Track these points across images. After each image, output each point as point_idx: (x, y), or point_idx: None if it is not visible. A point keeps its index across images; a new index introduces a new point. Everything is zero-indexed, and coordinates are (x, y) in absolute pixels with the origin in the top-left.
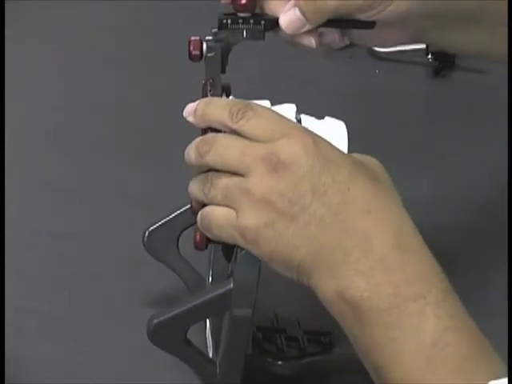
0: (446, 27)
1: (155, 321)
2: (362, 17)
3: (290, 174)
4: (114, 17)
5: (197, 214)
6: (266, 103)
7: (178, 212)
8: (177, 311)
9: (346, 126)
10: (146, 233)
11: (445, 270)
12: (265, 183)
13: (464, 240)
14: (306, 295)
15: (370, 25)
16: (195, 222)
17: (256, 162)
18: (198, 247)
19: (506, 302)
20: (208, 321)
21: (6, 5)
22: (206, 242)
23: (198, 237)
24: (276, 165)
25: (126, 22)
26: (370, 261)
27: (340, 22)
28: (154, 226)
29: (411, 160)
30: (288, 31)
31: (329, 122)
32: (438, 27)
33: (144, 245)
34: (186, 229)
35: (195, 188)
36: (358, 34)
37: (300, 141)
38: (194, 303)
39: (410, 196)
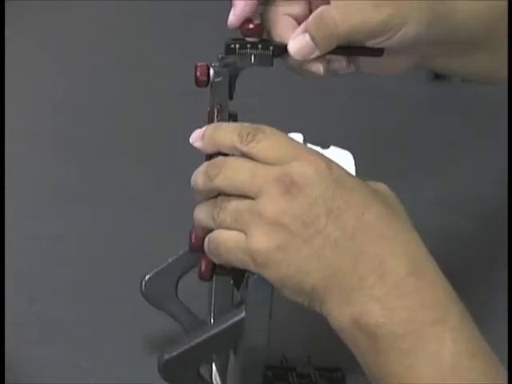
0: (451, 53)
1: (166, 356)
2: (372, 43)
3: (303, 196)
4: (113, 17)
5: (197, 250)
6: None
7: (176, 257)
8: (189, 345)
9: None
10: (143, 281)
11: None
12: (277, 205)
13: (464, 245)
14: (314, 332)
15: (378, 52)
16: (194, 265)
17: (268, 184)
18: (202, 277)
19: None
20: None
21: (6, 5)
22: (211, 271)
23: (203, 266)
24: (289, 186)
25: (126, 22)
26: (386, 287)
27: (349, 49)
28: (151, 274)
29: (411, 163)
30: (297, 57)
31: (335, 152)
32: (444, 54)
33: (142, 293)
34: (184, 274)
35: (202, 213)
36: (364, 61)
37: (313, 163)
38: (206, 335)
39: (409, 200)
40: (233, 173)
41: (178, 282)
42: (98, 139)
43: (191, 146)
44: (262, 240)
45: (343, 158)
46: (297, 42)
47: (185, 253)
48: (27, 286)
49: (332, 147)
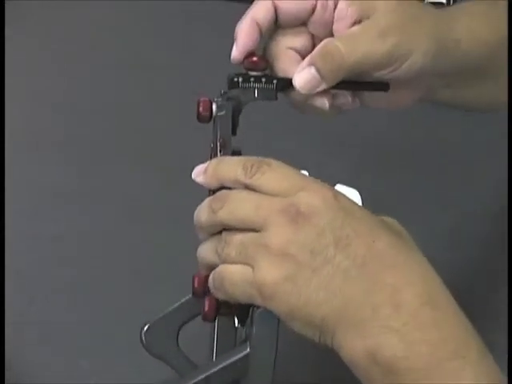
0: (456, 84)
1: None
2: (379, 74)
3: (310, 225)
4: (114, 17)
5: (200, 295)
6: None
7: (177, 305)
8: (190, 382)
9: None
10: (142, 331)
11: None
12: (283, 235)
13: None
14: (322, 362)
15: (384, 87)
16: (197, 314)
17: (273, 215)
18: (206, 318)
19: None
20: None
21: (6, 5)
22: (215, 311)
23: (206, 306)
24: (295, 216)
25: (126, 22)
26: (403, 317)
27: (355, 83)
28: (151, 323)
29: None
30: (303, 91)
31: (342, 190)
32: (448, 85)
33: (142, 342)
34: (186, 323)
35: (206, 250)
36: (369, 96)
37: (319, 193)
38: (209, 372)
39: (409, 207)
40: (237, 205)
41: (179, 332)
42: (98, 139)
43: (191, 146)
44: (269, 272)
45: (350, 195)
46: (302, 76)
47: (186, 300)
48: (27, 286)
49: (338, 185)
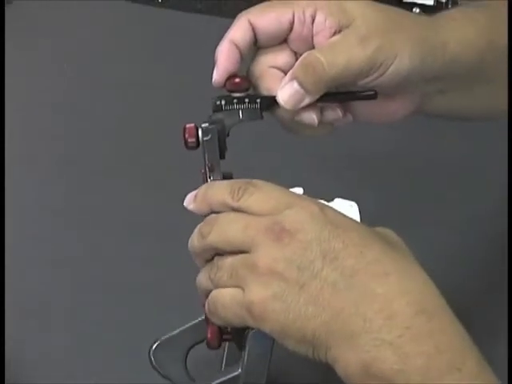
0: (449, 91)
1: None
2: (365, 83)
3: (295, 241)
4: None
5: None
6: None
7: (188, 325)
8: None
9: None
10: (151, 350)
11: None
12: (269, 253)
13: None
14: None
15: (371, 96)
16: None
17: (259, 234)
18: (209, 345)
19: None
20: None
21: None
22: (218, 338)
23: (209, 333)
24: (280, 233)
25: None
26: (396, 329)
27: (341, 94)
28: (160, 341)
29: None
30: (287, 106)
31: (340, 203)
32: (441, 92)
33: (150, 360)
34: (196, 344)
35: (201, 277)
36: (361, 110)
37: (306, 209)
38: None
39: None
40: (225, 227)
41: (188, 353)
42: (97, 161)
43: (192, 162)
44: (257, 291)
45: (349, 208)
46: (285, 91)
47: (199, 322)
48: (28, 286)
49: (337, 199)
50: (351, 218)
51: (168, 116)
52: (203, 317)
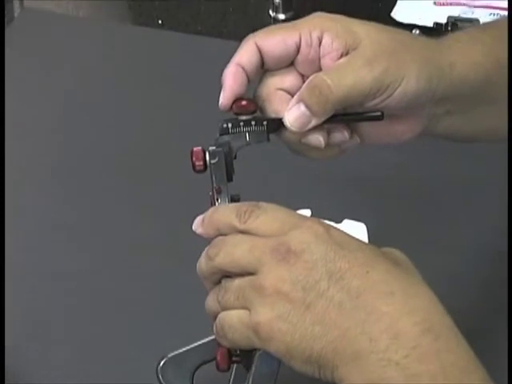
0: (456, 112)
1: None
2: (372, 104)
3: (301, 262)
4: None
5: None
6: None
7: (198, 344)
8: None
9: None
10: (159, 366)
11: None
12: (275, 274)
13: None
14: None
15: (378, 117)
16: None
17: (265, 255)
18: (219, 367)
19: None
20: None
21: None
22: (227, 360)
23: (218, 355)
24: (286, 254)
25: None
26: (403, 348)
27: (346, 115)
28: (169, 357)
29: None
30: (294, 128)
31: (349, 224)
32: (449, 113)
33: (157, 377)
34: (205, 363)
35: (210, 300)
36: (368, 132)
37: (311, 230)
38: None
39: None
40: (232, 249)
41: (195, 371)
42: (98, 175)
43: (194, 185)
44: (263, 311)
45: (357, 229)
46: (292, 113)
47: (208, 341)
48: (27, 286)
49: (345, 220)
50: (357, 239)
51: (168, 138)
52: (212, 336)
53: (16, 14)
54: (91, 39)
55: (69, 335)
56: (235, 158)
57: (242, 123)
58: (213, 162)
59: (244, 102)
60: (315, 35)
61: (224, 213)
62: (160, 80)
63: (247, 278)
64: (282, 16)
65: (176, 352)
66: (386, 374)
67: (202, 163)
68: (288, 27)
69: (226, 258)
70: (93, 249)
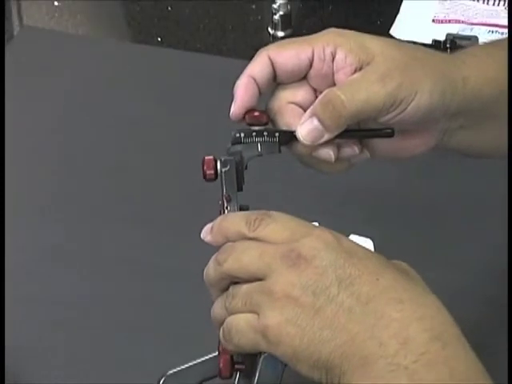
0: (470, 126)
1: None
2: (385, 120)
3: (312, 267)
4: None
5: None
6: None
7: (201, 360)
8: None
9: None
10: (161, 382)
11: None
12: (285, 279)
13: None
14: None
15: (389, 134)
16: (217, 375)
17: (275, 261)
18: (221, 374)
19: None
20: None
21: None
22: (230, 367)
23: (221, 362)
24: (296, 260)
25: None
26: (412, 354)
27: (358, 131)
28: (168, 374)
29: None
30: (306, 142)
31: (355, 239)
32: (463, 128)
33: None
34: (206, 380)
35: (216, 307)
36: (379, 147)
37: (321, 238)
38: None
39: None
40: (241, 255)
41: None
42: (97, 199)
43: (195, 203)
44: (272, 315)
45: (364, 245)
46: (305, 127)
47: (209, 358)
48: (27, 286)
49: (352, 235)
50: (365, 248)
51: (167, 153)
52: (213, 354)
53: (15, 32)
54: (91, 57)
55: (69, 335)
56: (246, 168)
57: (254, 133)
58: (224, 170)
59: (257, 113)
60: (328, 50)
61: (233, 221)
62: (159, 97)
63: (256, 284)
64: (281, 33)
65: (176, 369)
66: (394, 380)
67: (212, 172)
68: (301, 42)
69: (234, 264)
70: (93, 248)
